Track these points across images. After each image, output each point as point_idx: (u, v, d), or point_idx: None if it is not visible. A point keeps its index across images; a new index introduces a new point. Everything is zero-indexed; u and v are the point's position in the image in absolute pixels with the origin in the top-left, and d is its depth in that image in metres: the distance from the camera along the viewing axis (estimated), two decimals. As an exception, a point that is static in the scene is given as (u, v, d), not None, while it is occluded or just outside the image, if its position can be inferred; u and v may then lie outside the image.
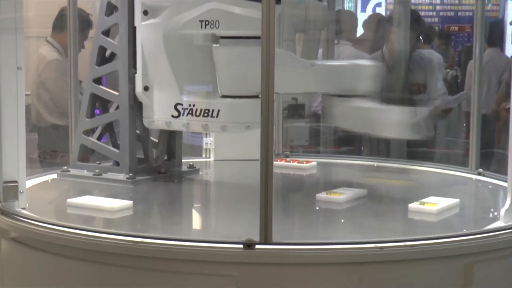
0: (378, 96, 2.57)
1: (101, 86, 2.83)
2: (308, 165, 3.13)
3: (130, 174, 2.70)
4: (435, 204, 2.32)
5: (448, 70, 5.54)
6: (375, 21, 5.30)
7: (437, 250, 1.92)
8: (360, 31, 5.39)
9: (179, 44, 2.66)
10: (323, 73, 2.67)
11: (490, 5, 6.97)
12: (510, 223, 2.11)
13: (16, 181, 2.27)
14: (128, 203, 2.36)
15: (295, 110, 4.41)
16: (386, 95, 2.73)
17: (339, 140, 4.83)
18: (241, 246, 1.87)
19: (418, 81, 4.67)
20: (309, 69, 2.65)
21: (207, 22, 2.56)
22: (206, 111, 2.61)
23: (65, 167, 2.86)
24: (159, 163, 2.85)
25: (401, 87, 4.54)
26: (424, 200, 2.38)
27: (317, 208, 2.45)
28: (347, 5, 6.44)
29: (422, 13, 6.51)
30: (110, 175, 2.74)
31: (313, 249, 1.90)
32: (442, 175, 3.05)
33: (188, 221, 2.44)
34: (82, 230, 2.04)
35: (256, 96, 2.49)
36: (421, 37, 4.98)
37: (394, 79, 4.58)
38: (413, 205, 2.32)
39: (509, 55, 5.34)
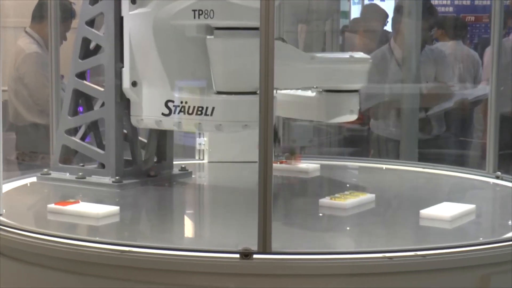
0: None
1: (85, 82, 2.83)
2: (311, 167, 3.14)
3: (117, 178, 2.70)
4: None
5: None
6: (372, 12, 5.34)
7: (451, 260, 1.93)
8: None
9: (170, 35, 2.66)
10: (323, 66, 2.73)
11: (509, -8, 6.97)
12: (530, 231, 2.12)
13: (-8, 185, 2.27)
14: (115, 209, 2.36)
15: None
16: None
17: (345, 141, 4.84)
18: (237, 255, 1.88)
19: (429, 74, 4.70)
20: (309, 62, 2.67)
21: (200, 12, 2.56)
22: (200, 109, 2.61)
23: (46, 170, 2.86)
24: (149, 166, 2.85)
25: (412, 82, 4.55)
26: (434, 206, 2.39)
27: (320, 214, 2.45)
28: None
29: (435, 2, 6.51)
30: (94, 179, 2.74)
31: (315, 259, 1.90)
32: (456, 178, 3.05)
33: (180, 229, 2.44)
34: (64, 238, 2.04)
35: (254, 92, 2.50)
36: (433, 30, 4.99)
37: (404, 74, 4.59)
38: (425, 212, 2.33)
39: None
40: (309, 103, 2.88)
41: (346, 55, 2.89)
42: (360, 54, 2.89)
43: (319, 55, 2.81)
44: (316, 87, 2.83)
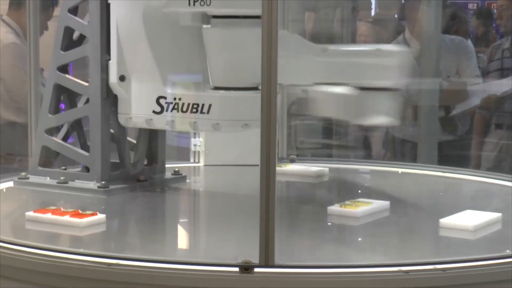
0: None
1: (67, 76, 2.84)
2: (319, 171, 3.15)
3: (103, 182, 2.71)
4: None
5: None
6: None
7: (473, 275, 1.93)
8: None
9: (162, 24, 2.66)
10: (338, 60, 2.69)
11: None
12: (562, 243, 2.12)
13: (-36, 191, 2.28)
14: (100, 217, 2.37)
15: (305, 105, 4.42)
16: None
17: (357, 142, 4.84)
18: (237, 269, 1.88)
19: (450, 68, 4.70)
20: (320, 55, 2.66)
21: (196, -2, 2.57)
22: (195, 106, 2.62)
23: (24, 174, 2.87)
24: (138, 169, 2.86)
25: (431, 77, 4.55)
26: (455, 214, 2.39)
27: (329, 223, 2.45)
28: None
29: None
30: (78, 184, 2.75)
31: (323, 273, 1.91)
32: (480, 184, 3.06)
33: (173, 239, 2.45)
34: (44, 250, 2.04)
35: (256, 88, 2.50)
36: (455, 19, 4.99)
37: (422, 69, 4.59)
38: (446, 221, 2.34)
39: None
40: (343, 101, 2.74)
41: (373, 47, 2.77)
42: (391, 47, 2.78)
43: (332, 47, 2.77)
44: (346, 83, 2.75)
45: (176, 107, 2.65)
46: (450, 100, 4.74)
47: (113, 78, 2.72)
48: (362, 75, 2.66)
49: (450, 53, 4.73)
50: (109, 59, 2.72)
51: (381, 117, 2.72)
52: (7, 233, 2.28)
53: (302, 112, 4.35)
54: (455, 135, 4.76)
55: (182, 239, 2.47)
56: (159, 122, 2.71)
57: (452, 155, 4.66)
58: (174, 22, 2.65)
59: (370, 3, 5.94)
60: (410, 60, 2.71)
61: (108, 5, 2.71)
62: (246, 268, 1.88)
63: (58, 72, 2.83)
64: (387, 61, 2.67)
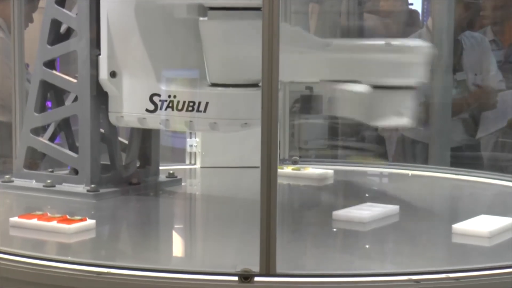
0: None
1: (54, 71, 2.84)
2: (323, 173, 3.15)
3: (92, 186, 2.71)
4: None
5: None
6: None
7: (489, 283, 1.93)
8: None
9: (156, 17, 2.67)
10: (343, 56, 2.67)
11: None
12: None
13: None
14: (90, 223, 2.37)
15: (309, 103, 4.43)
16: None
17: (364, 142, 4.84)
18: (236, 278, 1.88)
19: (470, 67, 4.69)
20: (323, 50, 2.65)
21: (192, -11, 2.58)
22: (191, 104, 2.62)
23: (7, 176, 2.87)
24: (130, 172, 2.86)
25: (444, 72, 4.55)
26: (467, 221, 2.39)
27: (334, 229, 2.46)
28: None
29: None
30: (66, 187, 2.75)
31: (328, 282, 1.91)
32: (496, 186, 3.06)
33: (167, 247, 2.45)
34: (29, 258, 2.05)
35: (256, 85, 2.50)
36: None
37: (434, 65, 4.58)
38: (459, 226, 2.34)
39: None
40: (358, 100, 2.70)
41: (382, 41, 2.71)
42: (409, 41, 2.73)
43: (337, 41, 2.74)
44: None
45: (170, 105, 2.65)
46: (479, 102, 4.73)
47: (103, 74, 2.72)
48: (373, 72, 2.64)
49: (473, 51, 4.72)
50: (99, 54, 2.73)
51: (397, 118, 2.68)
52: (-10, 240, 2.29)
53: (308, 111, 4.36)
54: (477, 138, 4.75)
55: (178, 246, 2.47)
56: (153, 121, 2.71)
57: (465, 156, 4.66)
58: (169, 15, 2.65)
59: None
60: (430, 56, 2.65)
61: (98, -4, 2.72)
62: (245, 277, 1.88)
63: (44, 68, 2.83)
64: (404, 57, 2.64)
